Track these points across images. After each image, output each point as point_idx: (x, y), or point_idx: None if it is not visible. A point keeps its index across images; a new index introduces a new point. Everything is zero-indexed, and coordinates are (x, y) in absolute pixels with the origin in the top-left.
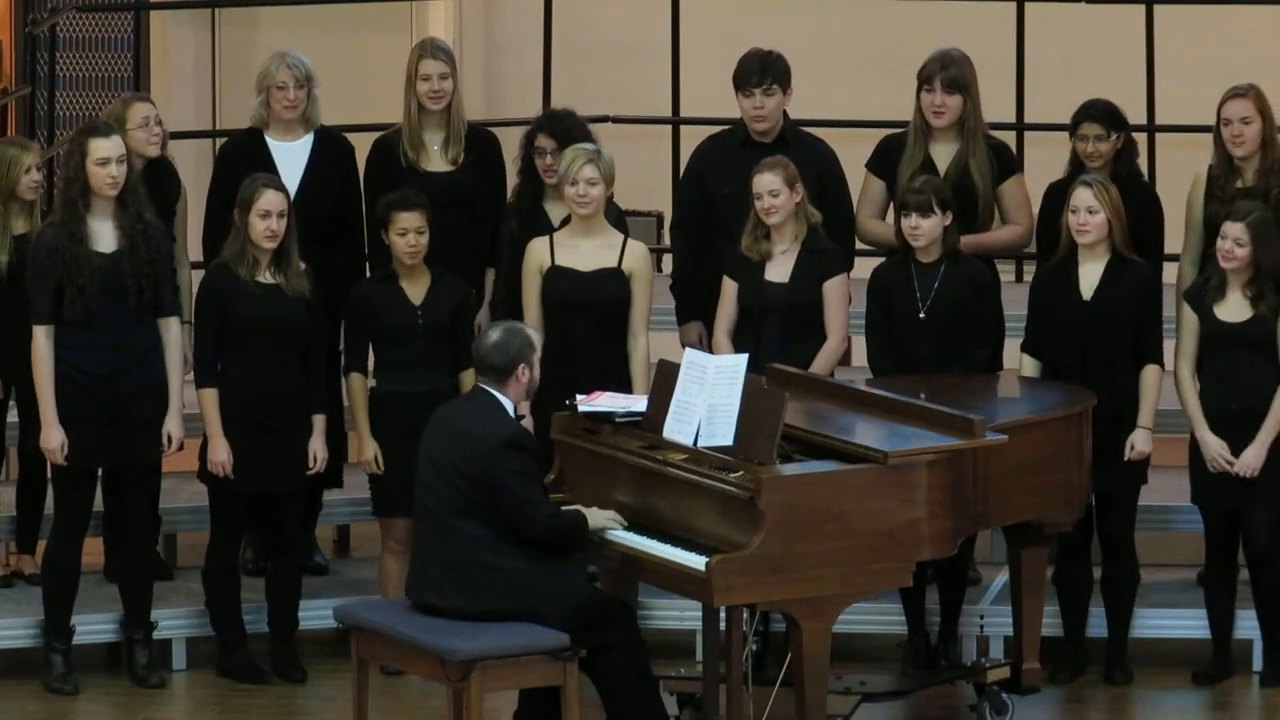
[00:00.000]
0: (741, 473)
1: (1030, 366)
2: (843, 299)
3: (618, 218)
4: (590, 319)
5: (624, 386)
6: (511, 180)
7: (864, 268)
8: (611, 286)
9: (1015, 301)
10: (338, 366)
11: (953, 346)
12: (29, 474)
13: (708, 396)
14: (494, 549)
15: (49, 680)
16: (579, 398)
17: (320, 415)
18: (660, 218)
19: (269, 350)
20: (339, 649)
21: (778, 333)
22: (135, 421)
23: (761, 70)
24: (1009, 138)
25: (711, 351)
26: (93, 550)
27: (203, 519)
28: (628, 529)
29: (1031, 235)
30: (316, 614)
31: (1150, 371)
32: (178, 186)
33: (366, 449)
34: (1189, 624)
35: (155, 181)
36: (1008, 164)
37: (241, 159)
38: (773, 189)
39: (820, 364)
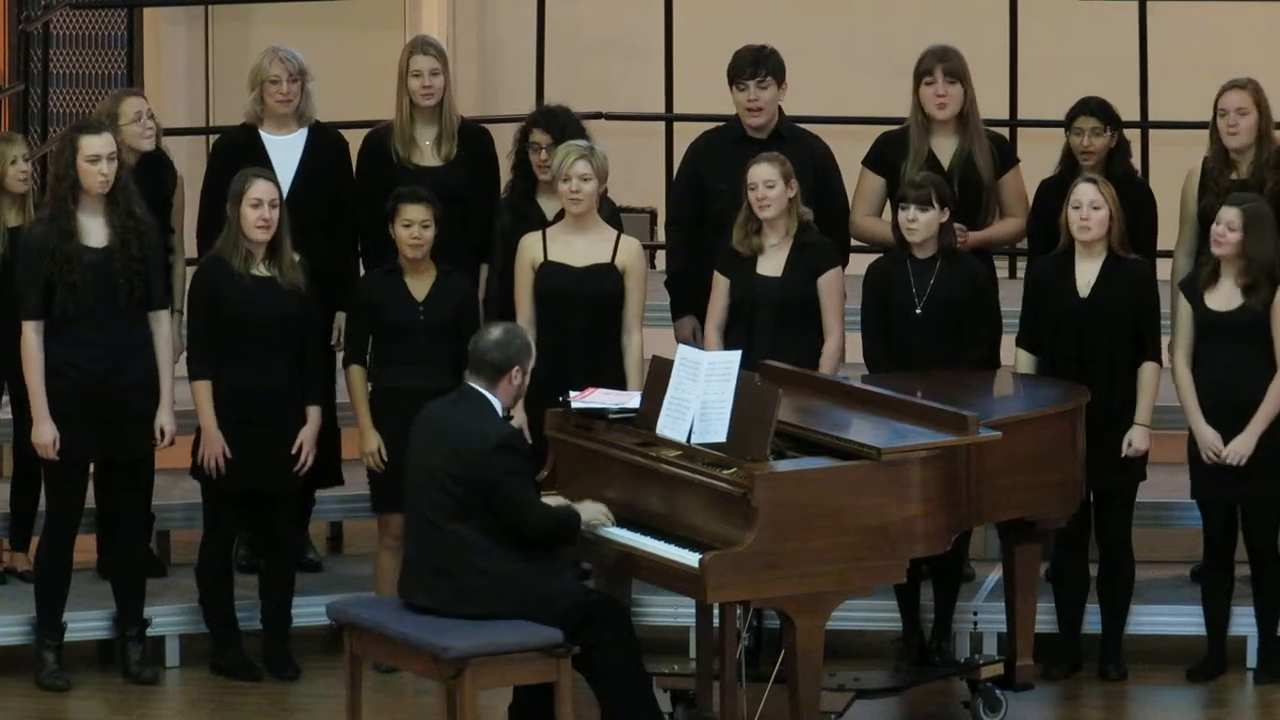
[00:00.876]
0: (735, 469)
1: (1026, 362)
2: (838, 294)
3: (611, 214)
4: (583, 315)
5: (617, 383)
6: (505, 176)
7: (859, 264)
8: (605, 282)
9: (1010, 298)
10: (332, 360)
11: (949, 343)
12: (22, 471)
13: (701, 393)
14: (487, 554)
15: (41, 677)
16: (572, 394)
17: (315, 407)
18: (654, 214)
19: (263, 343)
20: (332, 646)
21: (770, 327)
22: (127, 416)
23: (755, 63)
24: (1002, 134)
25: (702, 347)
26: (86, 547)
27: (196, 516)
28: (621, 525)
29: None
30: (310, 611)
31: (1147, 368)
32: (175, 178)
33: (369, 440)
34: (1184, 620)
35: (152, 174)
36: (1008, 156)
37: (236, 153)
38: (768, 180)
39: (823, 369)
